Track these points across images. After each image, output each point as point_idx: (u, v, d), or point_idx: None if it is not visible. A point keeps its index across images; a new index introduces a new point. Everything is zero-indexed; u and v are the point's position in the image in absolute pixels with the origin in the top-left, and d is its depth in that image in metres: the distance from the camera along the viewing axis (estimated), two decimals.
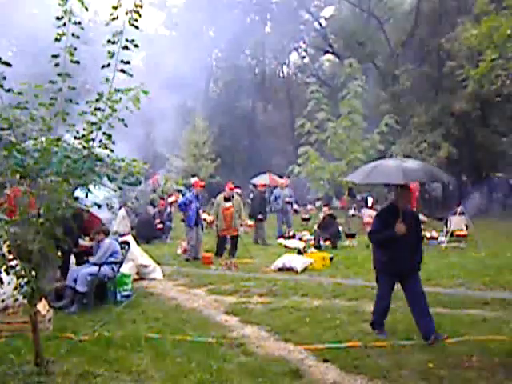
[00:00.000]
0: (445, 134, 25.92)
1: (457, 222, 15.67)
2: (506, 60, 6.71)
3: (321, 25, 38.16)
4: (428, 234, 15.96)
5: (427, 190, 28.23)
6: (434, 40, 27.34)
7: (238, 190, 16.48)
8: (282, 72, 45.99)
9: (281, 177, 24.80)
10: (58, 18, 4.94)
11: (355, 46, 31.92)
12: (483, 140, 26.17)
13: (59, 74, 5.04)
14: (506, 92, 24.95)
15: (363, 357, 5.72)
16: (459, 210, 16.25)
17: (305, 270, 11.31)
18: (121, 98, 5.06)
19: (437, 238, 15.61)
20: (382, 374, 5.22)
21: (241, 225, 13.91)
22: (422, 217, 17.16)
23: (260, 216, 15.93)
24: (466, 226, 15.89)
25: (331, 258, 12.32)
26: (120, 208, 14.84)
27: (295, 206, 22.92)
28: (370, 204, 24.82)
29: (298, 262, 11.51)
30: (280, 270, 11.42)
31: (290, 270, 11.28)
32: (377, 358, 5.70)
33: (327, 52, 38.81)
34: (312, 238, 15.59)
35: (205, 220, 15.94)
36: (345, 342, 6.20)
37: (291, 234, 17.08)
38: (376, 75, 31.91)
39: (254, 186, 22.46)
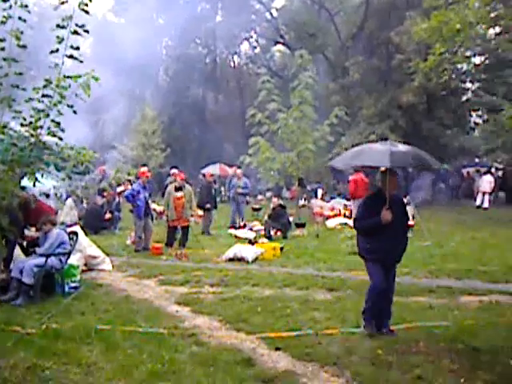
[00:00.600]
0: (392, 126, 26.44)
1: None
2: (453, 54, 6.90)
3: (272, 15, 38.19)
4: None
5: (374, 181, 28.78)
6: (383, 33, 27.79)
7: (175, 171, 16.39)
8: (233, 62, 45.87)
9: (231, 166, 24.82)
10: (3, 0, 4.74)
11: (306, 38, 32.07)
12: (429, 132, 26.85)
13: (4, 59, 4.85)
14: (453, 86, 25.73)
15: (314, 344, 5.81)
16: (406, 200, 16.59)
17: (256, 259, 11.36)
18: (70, 85, 4.91)
19: None
20: (333, 361, 5.33)
21: (192, 215, 13.80)
22: None
23: (208, 206, 15.82)
24: (413, 216, 16.29)
25: (282, 248, 12.42)
26: (67, 198, 14.50)
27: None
28: (319, 195, 25.12)
29: (248, 252, 11.54)
30: (231, 260, 11.43)
31: (241, 260, 11.31)
32: (328, 345, 5.81)
33: (278, 43, 38.90)
34: (263, 228, 15.65)
35: (154, 210, 15.76)
36: (296, 330, 6.27)
37: (242, 224, 17.12)
38: (326, 67, 32.23)
39: (203, 175, 22.36)
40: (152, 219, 13.68)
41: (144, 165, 16.14)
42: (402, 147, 6.28)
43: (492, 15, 6.29)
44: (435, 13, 5.73)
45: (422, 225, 15.17)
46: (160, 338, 5.96)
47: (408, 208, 15.29)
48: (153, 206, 15.33)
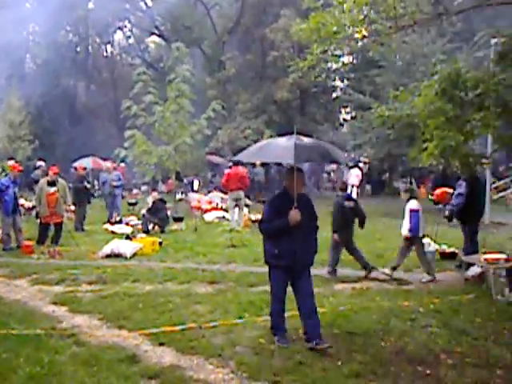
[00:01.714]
0: (268, 121, 27.13)
1: None
2: (324, 53, 7.26)
3: (147, 5, 37.43)
4: (253, 217, 16.68)
5: (250, 174, 29.38)
6: (258, 29, 28.34)
7: (42, 164, 15.70)
8: (106, 51, 44.37)
9: (105, 160, 24.07)
10: None
11: (182, 30, 31.84)
12: (302, 127, 27.80)
13: None
14: (324, 83, 26.90)
15: (198, 337, 5.86)
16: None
17: (134, 255, 11.15)
18: None
19: None
20: (218, 353, 5.40)
21: (66, 210, 13.20)
22: (247, 200, 17.89)
23: (79, 200, 15.18)
24: None
25: (160, 243, 12.31)
26: None
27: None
28: (196, 188, 25.18)
29: (126, 247, 11.30)
30: (108, 256, 11.12)
31: (118, 256, 11.04)
32: (211, 337, 5.87)
33: (153, 34, 38.22)
34: (139, 222, 15.39)
35: (22, 206, 14.87)
36: (179, 324, 6.26)
37: (118, 219, 16.69)
38: (203, 60, 32.25)
39: (75, 169, 21.49)
40: (20, 215, 12.89)
41: (11, 158, 15.18)
42: (307, 142, 5.92)
43: (361, 17, 6.71)
44: (313, 14, 6.02)
45: None
46: (37, 340, 5.67)
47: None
48: (21, 201, 14.46)
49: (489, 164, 10.19)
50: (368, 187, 30.21)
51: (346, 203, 9.30)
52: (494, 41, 10.29)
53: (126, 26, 41.36)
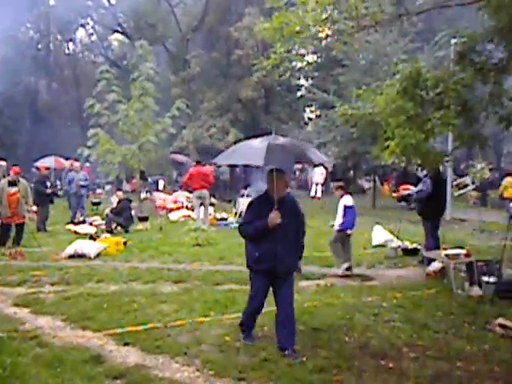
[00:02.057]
0: (233, 119, 27.12)
1: (244, 204, 16.59)
2: (289, 52, 7.31)
3: (110, 2, 36.98)
4: (218, 216, 16.69)
5: (216, 173, 29.36)
6: (223, 28, 28.30)
7: (2, 163, 15.43)
8: (68, 49, 43.63)
9: (68, 159, 23.72)
10: None
11: (146, 28, 31.50)
12: (267, 126, 27.93)
13: None
14: (289, 82, 27.04)
15: (164, 337, 5.84)
16: (246, 192, 17.23)
17: (98, 255, 11.03)
18: None
19: (226, 219, 16.39)
20: (183, 351, 5.41)
21: (28, 211, 12.95)
22: (212, 199, 17.87)
23: (41, 201, 14.90)
24: None
25: (125, 243, 12.20)
26: None
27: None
28: (161, 187, 25.02)
29: (90, 247, 11.17)
30: (72, 257, 10.97)
31: (82, 256, 10.90)
32: (177, 336, 5.87)
33: (116, 31, 37.76)
34: (103, 222, 15.22)
35: None
36: (144, 324, 6.23)
37: (81, 219, 16.47)
38: (167, 59, 32.03)
39: (37, 168, 21.10)
40: None
41: None
42: (284, 142, 5.82)
43: (324, 16, 6.77)
44: (277, 14, 6.04)
45: None
46: None
47: (248, 200, 15.97)
48: None
49: (449, 161, 10.42)
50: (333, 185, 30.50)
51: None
52: (453, 41, 10.52)
53: (88, 24, 40.76)
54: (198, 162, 16.14)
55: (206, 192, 15.40)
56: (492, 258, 8.50)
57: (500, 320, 6.18)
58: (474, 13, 8.03)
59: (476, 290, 7.57)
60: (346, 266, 9.07)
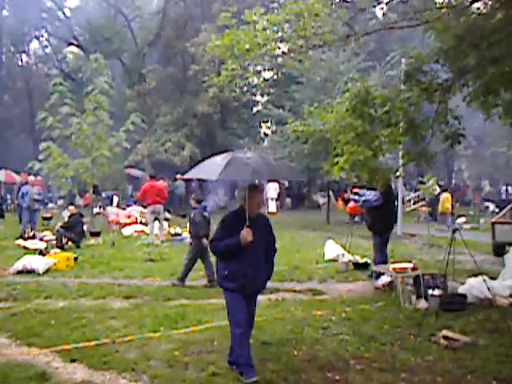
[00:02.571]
0: (188, 134, 27.13)
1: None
2: (245, 70, 7.44)
3: (65, 15, 36.52)
4: (172, 231, 16.60)
5: (171, 187, 29.21)
6: (179, 43, 28.38)
7: None
8: (21, 61, 42.81)
9: (18, 173, 23.20)
10: None
11: (101, 41, 31.33)
12: (223, 141, 28.08)
13: None
14: (245, 98, 27.28)
15: (112, 352, 5.78)
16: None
17: (47, 271, 10.81)
18: None
19: (180, 234, 16.30)
20: (131, 367, 5.36)
21: None
22: (166, 214, 17.77)
23: None
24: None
25: (76, 258, 11.99)
26: None
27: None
28: (115, 202, 24.70)
29: (39, 263, 10.95)
30: (20, 272, 10.73)
31: (31, 272, 10.68)
32: (125, 352, 5.82)
33: (72, 44, 37.31)
34: (54, 238, 14.91)
35: None
36: (93, 340, 6.15)
37: (31, 234, 16.10)
38: (123, 72, 31.85)
39: None
40: None
41: None
42: (250, 159, 5.48)
43: (279, 35, 6.92)
44: (227, 32, 6.15)
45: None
46: None
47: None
48: None
49: (399, 177, 10.70)
50: (288, 200, 30.78)
51: (206, 214, 9.85)
52: (404, 60, 10.88)
53: (42, 36, 40.16)
54: (152, 177, 16.03)
55: (160, 207, 15.34)
56: (438, 271, 8.74)
57: (444, 332, 6.37)
58: (424, 33, 8.34)
59: (422, 303, 7.78)
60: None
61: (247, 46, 6.14)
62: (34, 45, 41.98)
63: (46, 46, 41.69)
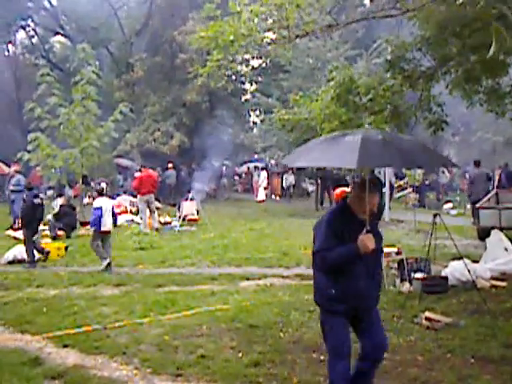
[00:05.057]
0: (177, 123, 27.11)
1: (188, 208, 16.73)
2: (231, 62, 7.58)
3: (51, 4, 36.21)
4: (162, 220, 16.72)
5: (161, 177, 29.25)
6: (167, 32, 28.23)
7: None
8: (8, 51, 42.45)
9: (7, 164, 23.14)
10: None
11: (88, 30, 31.06)
12: (212, 130, 28.08)
13: None
14: (233, 87, 27.29)
15: (103, 338, 5.94)
16: (190, 196, 17.32)
17: (39, 260, 10.92)
18: None
19: (170, 223, 16.44)
20: (122, 351, 5.53)
21: None
22: (157, 203, 17.89)
23: None
24: (197, 211, 17.07)
25: (66, 248, 12.12)
26: None
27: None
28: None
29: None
30: (11, 262, 10.86)
31: (22, 261, 10.79)
32: (116, 337, 5.98)
33: (58, 33, 37.04)
34: (46, 228, 14.98)
35: None
36: (84, 326, 6.30)
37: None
38: (110, 62, 31.70)
39: None
40: None
41: None
42: (382, 138, 4.14)
43: (263, 25, 7.02)
44: (212, 23, 6.25)
45: (206, 218, 15.92)
46: None
47: (193, 203, 16.10)
48: None
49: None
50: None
51: (36, 200, 10.56)
52: (389, 48, 11.01)
53: (29, 25, 39.78)
54: (144, 167, 16.15)
55: (152, 196, 15.54)
56: (423, 256, 8.92)
57: (426, 313, 6.57)
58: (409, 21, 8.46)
59: (406, 286, 7.98)
60: (106, 262, 9.79)
61: (231, 37, 6.25)
62: (21, 35, 41.57)
63: (33, 36, 41.24)
